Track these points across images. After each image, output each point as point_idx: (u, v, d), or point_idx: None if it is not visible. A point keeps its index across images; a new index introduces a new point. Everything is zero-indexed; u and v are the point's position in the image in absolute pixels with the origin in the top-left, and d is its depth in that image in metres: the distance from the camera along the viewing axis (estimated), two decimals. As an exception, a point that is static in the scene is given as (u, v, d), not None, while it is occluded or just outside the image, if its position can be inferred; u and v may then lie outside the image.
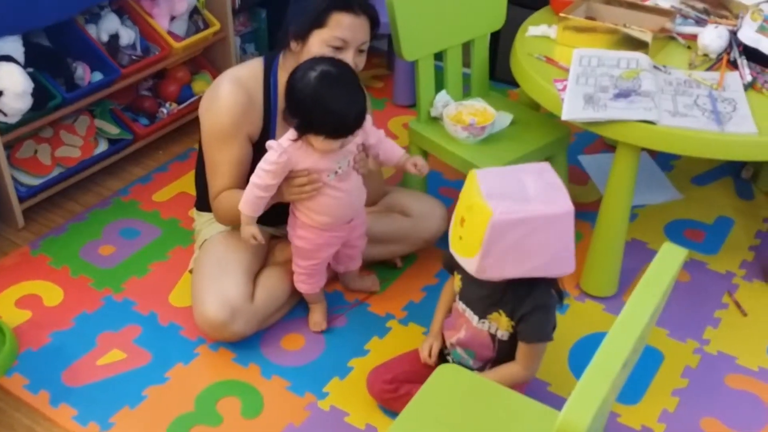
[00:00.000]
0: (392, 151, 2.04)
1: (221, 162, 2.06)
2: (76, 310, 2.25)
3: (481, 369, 1.81)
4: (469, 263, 1.62)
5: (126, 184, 2.78)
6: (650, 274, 1.26)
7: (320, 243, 2.05)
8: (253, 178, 1.89)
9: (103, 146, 2.73)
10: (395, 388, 1.92)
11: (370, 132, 1.98)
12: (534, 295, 1.68)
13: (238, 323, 2.06)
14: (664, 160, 2.90)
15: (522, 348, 1.74)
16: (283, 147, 1.86)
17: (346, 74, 1.85)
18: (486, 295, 1.72)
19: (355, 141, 1.92)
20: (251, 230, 1.95)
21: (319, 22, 1.94)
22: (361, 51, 2.00)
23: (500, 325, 1.74)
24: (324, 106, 1.80)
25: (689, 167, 2.87)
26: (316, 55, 1.92)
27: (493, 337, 1.76)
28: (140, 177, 2.82)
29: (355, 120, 1.83)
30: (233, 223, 2.13)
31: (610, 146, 2.99)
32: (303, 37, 1.98)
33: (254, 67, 2.10)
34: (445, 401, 1.61)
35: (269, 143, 1.88)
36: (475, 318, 1.76)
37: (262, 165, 1.88)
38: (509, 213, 1.52)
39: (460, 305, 1.79)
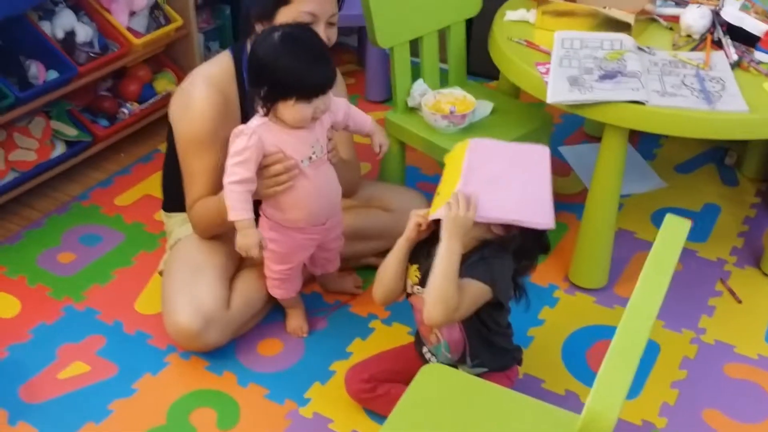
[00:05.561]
0: (362, 120, 1.92)
1: (199, 171, 1.92)
2: (34, 322, 2.11)
3: (461, 360, 1.71)
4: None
5: (85, 188, 2.64)
6: (657, 248, 1.17)
7: (293, 246, 1.91)
8: (229, 179, 1.73)
9: (60, 149, 2.58)
10: (373, 387, 1.83)
11: (337, 108, 1.85)
12: (485, 257, 1.59)
13: (213, 333, 1.93)
14: (646, 149, 2.83)
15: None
16: (252, 128, 1.73)
17: (310, 33, 1.75)
18: None
19: (324, 124, 1.81)
20: (256, 235, 1.72)
21: None
22: (331, 24, 1.89)
23: None
24: (290, 60, 1.67)
25: (672, 155, 2.81)
26: None
27: None
28: (101, 181, 2.67)
29: (324, 75, 1.69)
30: (210, 233, 2.00)
31: (590, 137, 2.92)
32: (268, 17, 1.86)
33: (224, 62, 1.97)
34: (433, 402, 1.51)
35: (234, 130, 1.75)
36: None
37: (232, 159, 1.73)
38: (485, 140, 1.66)
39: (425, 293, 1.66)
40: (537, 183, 1.60)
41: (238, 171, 1.73)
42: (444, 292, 1.53)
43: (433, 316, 1.55)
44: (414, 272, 1.67)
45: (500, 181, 1.58)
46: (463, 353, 1.70)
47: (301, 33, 1.73)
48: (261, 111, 1.74)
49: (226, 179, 1.74)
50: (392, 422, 1.45)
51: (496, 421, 1.46)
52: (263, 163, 1.76)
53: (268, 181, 1.78)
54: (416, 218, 1.64)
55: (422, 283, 1.64)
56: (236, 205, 1.73)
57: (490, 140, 1.69)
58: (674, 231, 1.16)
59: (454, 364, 1.71)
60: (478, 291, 1.58)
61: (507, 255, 1.62)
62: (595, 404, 0.87)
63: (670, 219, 1.20)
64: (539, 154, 1.64)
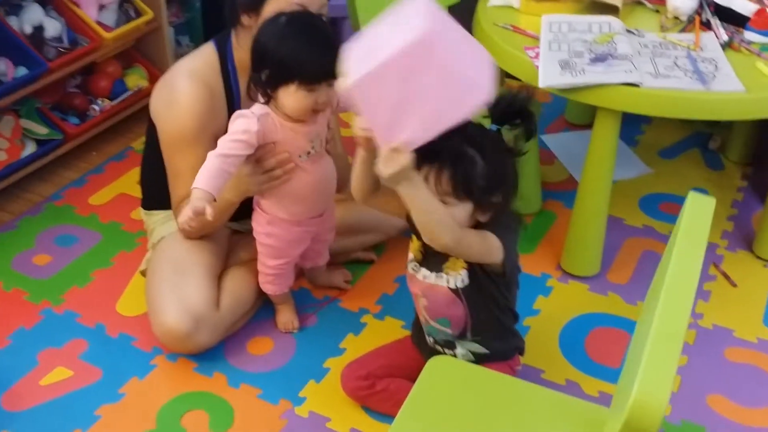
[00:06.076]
0: None
1: (185, 169, 1.82)
2: (12, 327, 2.01)
3: (462, 336, 1.64)
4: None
5: (58, 188, 2.53)
6: (684, 228, 1.12)
7: (290, 239, 1.86)
8: (218, 151, 1.63)
9: (30, 148, 2.48)
10: (371, 384, 1.76)
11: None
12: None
13: (203, 334, 1.85)
14: (628, 136, 2.80)
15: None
16: (257, 115, 1.66)
17: (319, 20, 1.69)
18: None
19: (325, 115, 1.75)
20: (203, 204, 1.57)
21: None
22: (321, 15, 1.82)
23: (455, 268, 1.56)
24: (295, 42, 1.61)
25: (655, 141, 2.79)
26: None
27: (453, 290, 1.58)
28: (73, 180, 2.57)
29: (328, 62, 1.58)
30: (197, 233, 1.91)
31: (572, 125, 2.89)
32: (256, 8, 1.78)
33: (207, 55, 1.89)
34: (443, 396, 1.46)
35: (237, 112, 1.67)
36: (432, 275, 1.59)
37: (231, 136, 1.65)
38: (358, 73, 1.25)
39: (421, 273, 1.60)
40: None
41: (230, 146, 1.64)
42: (434, 219, 1.40)
43: (437, 240, 1.42)
44: (418, 248, 1.60)
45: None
46: (464, 329, 1.63)
47: (310, 18, 1.68)
48: (261, 99, 1.67)
49: (218, 150, 1.64)
50: (402, 418, 1.39)
51: (508, 410, 1.41)
52: (256, 155, 1.70)
53: (262, 177, 1.72)
54: (359, 131, 1.38)
55: (424, 262, 1.58)
56: (205, 178, 1.61)
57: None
58: (698, 209, 1.11)
59: (452, 341, 1.65)
60: (485, 234, 1.49)
61: (508, 227, 1.54)
62: (643, 395, 0.82)
63: (693, 197, 1.15)
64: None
